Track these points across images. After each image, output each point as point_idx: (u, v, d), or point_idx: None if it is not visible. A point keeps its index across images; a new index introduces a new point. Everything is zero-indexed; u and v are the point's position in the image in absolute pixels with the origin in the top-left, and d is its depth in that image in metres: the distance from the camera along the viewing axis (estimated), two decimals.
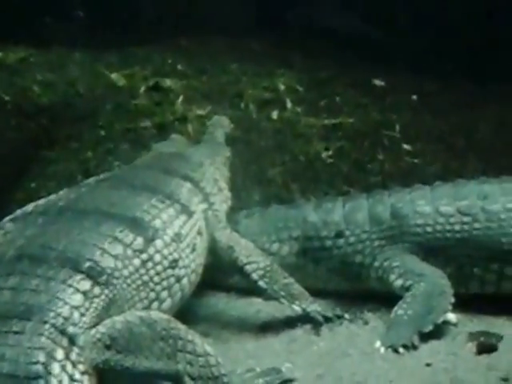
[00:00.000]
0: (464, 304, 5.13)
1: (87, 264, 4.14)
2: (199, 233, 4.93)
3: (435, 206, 5.40)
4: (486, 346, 4.88)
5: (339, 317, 5.18)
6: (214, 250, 5.10)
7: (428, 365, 4.69)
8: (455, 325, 5.08)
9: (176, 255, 4.62)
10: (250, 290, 5.23)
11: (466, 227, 5.33)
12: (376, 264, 5.41)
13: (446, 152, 6.69)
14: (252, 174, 6.22)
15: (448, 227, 5.35)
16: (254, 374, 4.44)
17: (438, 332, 4.97)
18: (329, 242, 5.50)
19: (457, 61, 7.73)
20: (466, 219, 5.34)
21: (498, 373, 4.58)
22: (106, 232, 4.34)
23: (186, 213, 4.85)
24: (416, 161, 6.56)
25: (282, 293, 5.05)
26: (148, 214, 4.62)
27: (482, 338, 4.96)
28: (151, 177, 5.01)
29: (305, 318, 5.09)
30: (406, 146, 6.64)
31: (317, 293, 5.25)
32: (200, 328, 4.84)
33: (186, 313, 4.76)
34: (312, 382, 4.53)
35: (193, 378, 4.04)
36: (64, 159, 6.28)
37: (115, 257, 4.27)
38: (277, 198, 5.97)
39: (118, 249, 4.31)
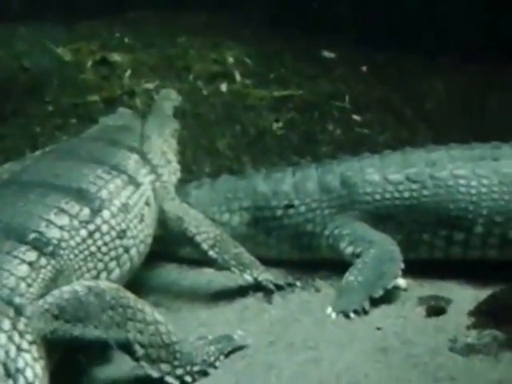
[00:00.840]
0: (414, 270, 5.19)
1: (32, 235, 4.13)
2: (147, 203, 4.92)
3: (384, 174, 5.44)
4: (435, 309, 4.96)
5: (291, 285, 5.21)
6: (163, 221, 5.10)
7: (378, 329, 4.74)
8: (405, 290, 5.13)
9: (124, 226, 4.61)
10: (202, 260, 5.26)
11: (414, 194, 5.38)
12: (326, 232, 5.45)
13: (395, 122, 6.77)
14: (202, 146, 6.23)
15: (397, 195, 5.40)
16: (206, 342, 4.45)
17: (388, 297, 5.02)
18: (279, 212, 5.53)
19: (404, 33, 7.77)
20: (414, 186, 5.39)
21: (447, 334, 4.65)
22: (51, 203, 4.33)
23: (133, 184, 4.84)
24: (366, 131, 6.63)
25: (233, 262, 5.06)
26: (94, 185, 4.60)
27: (431, 302, 5.03)
28: (97, 149, 4.99)
29: (256, 287, 5.11)
30: (355, 117, 6.71)
31: (268, 262, 5.28)
32: (152, 298, 4.86)
33: (137, 284, 4.76)
34: (264, 349, 4.55)
35: (143, 346, 4.05)
36: (12, 135, 6.24)
37: (61, 228, 4.26)
38: (228, 171, 5.98)
39: (64, 220, 4.30)
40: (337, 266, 5.28)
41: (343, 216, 5.44)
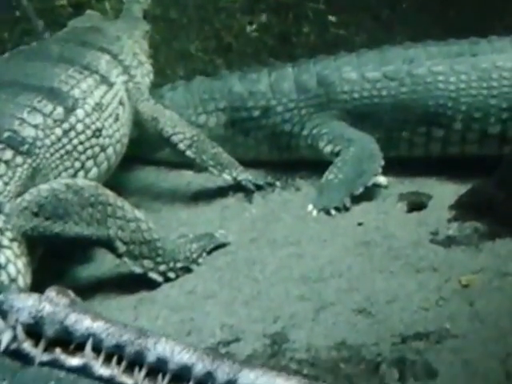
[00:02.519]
0: (394, 167, 5.17)
1: (6, 134, 4.05)
2: (121, 103, 4.82)
3: (361, 71, 5.37)
4: (416, 203, 4.95)
5: (271, 184, 5.18)
6: (138, 122, 5.02)
7: (360, 224, 4.74)
8: (386, 187, 5.11)
9: (99, 124, 4.53)
10: (180, 163, 5.20)
11: (392, 92, 5.32)
12: (305, 132, 5.40)
13: (371, 22, 6.62)
14: (175, 50, 6.11)
15: (375, 92, 5.34)
16: (188, 239, 4.43)
17: (368, 194, 5.01)
18: (256, 113, 5.45)
19: None
20: (392, 84, 5.32)
21: (427, 227, 4.66)
22: (23, 102, 4.25)
23: (105, 83, 4.75)
24: (342, 32, 6.50)
25: (211, 162, 4.99)
26: (66, 84, 4.52)
27: (412, 198, 5.02)
28: (67, 49, 4.87)
29: (236, 187, 5.07)
30: (331, 18, 6.56)
31: (247, 163, 5.23)
32: (131, 200, 4.72)
33: (116, 187, 4.65)
34: (246, 246, 4.55)
35: (125, 243, 4.03)
36: None
37: (35, 126, 4.18)
38: (202, 74, 5.85)
39: (38, 118, 4.22)
40: (316, 165, 5.23)
41: (321, 115, 5.38)
